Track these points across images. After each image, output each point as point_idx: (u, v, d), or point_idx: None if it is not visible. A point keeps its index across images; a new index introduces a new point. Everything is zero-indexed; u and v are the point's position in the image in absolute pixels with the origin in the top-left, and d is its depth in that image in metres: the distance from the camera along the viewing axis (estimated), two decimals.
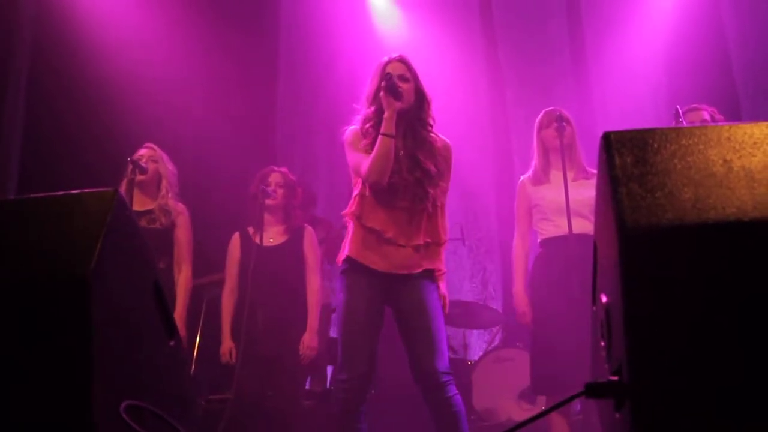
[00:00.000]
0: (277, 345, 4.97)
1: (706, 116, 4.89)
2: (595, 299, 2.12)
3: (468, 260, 7.85)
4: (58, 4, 6.78)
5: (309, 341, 4.97)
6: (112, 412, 1.88)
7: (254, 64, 7.77)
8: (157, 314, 2.23)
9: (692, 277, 1.74)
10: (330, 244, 6.60)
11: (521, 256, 4.87)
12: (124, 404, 1.88)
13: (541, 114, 4.96)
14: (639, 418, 1.63)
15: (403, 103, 3.74)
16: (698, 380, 1.66)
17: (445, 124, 7.13)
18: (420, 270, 3.78)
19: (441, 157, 3.85)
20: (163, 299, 2.23)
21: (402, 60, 3.88)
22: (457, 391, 3.70)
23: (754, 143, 1.86)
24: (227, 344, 5.01)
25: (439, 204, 3.84)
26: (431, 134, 3.87)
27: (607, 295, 1.94)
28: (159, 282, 2.21)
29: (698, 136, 1.89)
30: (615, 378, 1.75)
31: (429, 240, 3.80)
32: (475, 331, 7.19)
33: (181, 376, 2.46)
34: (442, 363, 3.67)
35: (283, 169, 5.33)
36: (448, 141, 3.95)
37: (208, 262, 5.66)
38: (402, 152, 3.78)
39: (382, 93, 3.67)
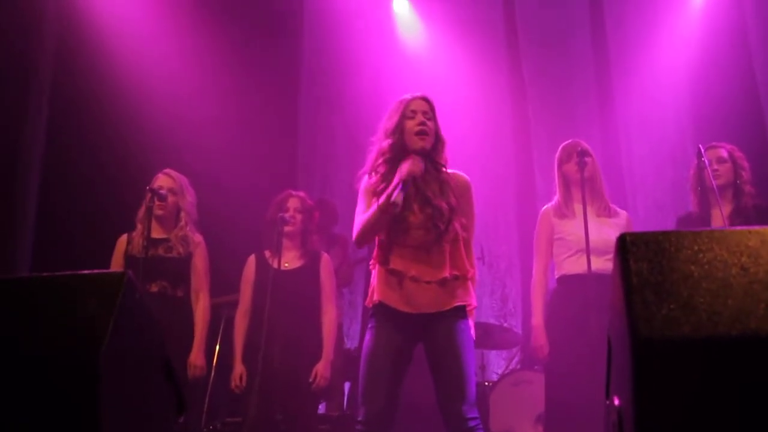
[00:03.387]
0: (292, 369, 4.96)
1: (724, 154, 4.84)
2: (608, 392, 2.09)
3: (488, 276, 7.80)
4: (79, 17, 6.81)
5: (323, 371, 4.96)
6: None
7: (275, 76, 7.76)
8: (167, 392, 2.23)
9: (706, 393, 1.72)
10: (346, 268, 6.62)
11: (541, 288, 4.84)
12: None
13: (561, 148, 4.93)
14: None
15: (424, 143, 3.72)
16: None
17: (466, 139, 7.23)
18: (450, 307, 3.72)
19: (454, 193, 3.80)
20: (173, 376, 2.23)
21: (425, 99, 3.86)
22: None
23: None
24: (238, 369, 5.01)
25: (460, 238, 3.79)
26: (444, 173, 3.82)
27: (620, 398, 1.91)
28: (169, 360, 2.21)
29: (717, 240, 1.86)
30: None
31: (456, 273, 3.74)
32: (493, 351, 7.15)
33: None
34: (470, 408, 3.65)
35: (301, 194, 5.31)
36: (464, 177, 3.91)
37: (225, 282, 5.66)
38: (413, 191, 3.75)
39: (395, 187, 3.62)
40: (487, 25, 8.22)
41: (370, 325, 3.80)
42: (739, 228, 1.86)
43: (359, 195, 3.88)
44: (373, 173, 3.85)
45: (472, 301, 3.81)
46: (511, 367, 6.86)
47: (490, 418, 6.10)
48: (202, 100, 6.92)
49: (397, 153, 3.76)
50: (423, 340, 3.79)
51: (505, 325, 7.49)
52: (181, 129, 6.65)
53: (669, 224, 7.46)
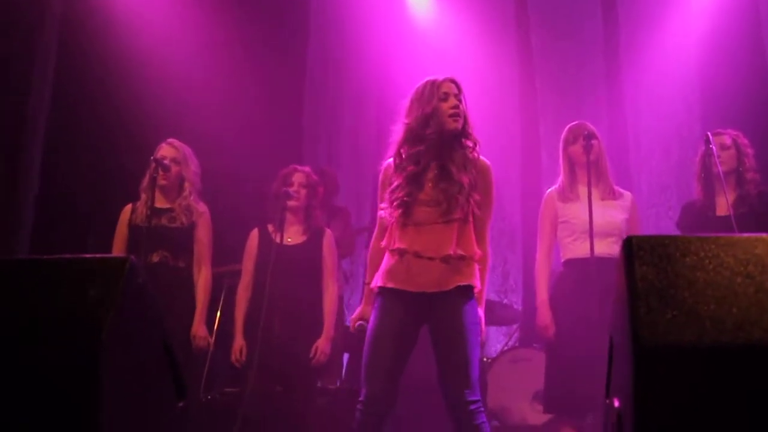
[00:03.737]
0: (292, 342, 4.97)
1: (728, 141, 4.81)
2: (608, 392, 2.09)
3: (489, 251, 7.78)
4: (84, 4, 6.76)
5: (323, 347, 4.98)
6: None
7: (282, 46, 7.73)
8: (167, 375, 2.24)
9: (706, 401, 1.71)
10: (348, 237, 6.63)
11: (545, 269, 4.83)
12: None
13: (567, 129, 4.91)
14: None
15: (456, 124, 3.76)
16: None
17: (473, 113, 7.19)
18: (453, 286, 3.68)
19: (479, 173, 3.80)
20: (173, 359, 2.24)
21: (454, 81, 3.85)
22: (485, 419, 3.67)
23: None
24: (239, 342, 5.02)
25: (472, 218, 3.77)
26: (472, 152, 3.83)
27: (620, 401, 1.91)
28: (170, 344, 2.21)
29: (723, 246, 1.85)
30: None
31: (461, 253, 3.70)
32: (493, 327, 7.17)
33: None
34: (472, 392, 3.64)
35: (306, 169, 5.30)
36: (487, 162, 3.90)
37: (227, 252, 5.66)
38: (432, 168, 3.77)
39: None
40: (498, 10, 8.15)
41: (375, 306, 3.81)
42: (746, 234, 1.85)
43: (379, 186, 3.92)
44: (399, 157, 3.85)
45: (478, 283, 3.76)
46: (510, 344, 6.89)
47: (487, 394, 6.13)
48: (209, 70, 6.89)
49: (433, 136, 3.77)
50: (428, 321, 3.78)
51: (506, 301, 7.52)
52: (187, 98, 6.63)
53: (672, 205, 7.48)
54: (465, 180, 3.73)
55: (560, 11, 8.10)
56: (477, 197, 3.78)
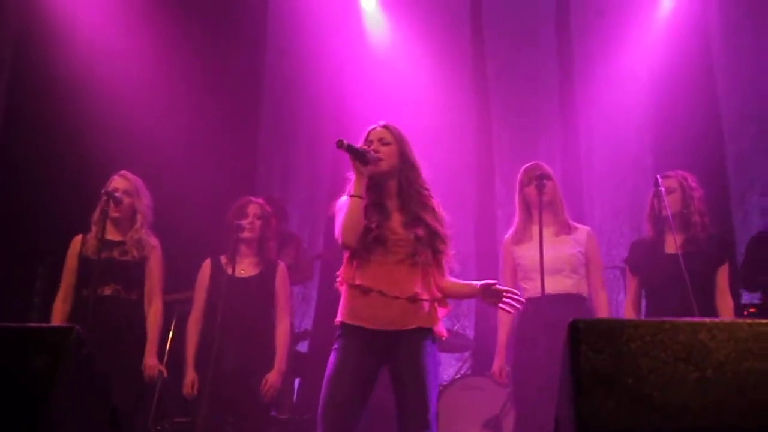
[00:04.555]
0: (244, 373, 4.95)
1: (673, 184, 4.87)
2: None
3: None
4: (40, 18, 6.66)
5: (273, 381, 4.96)
6: None
7: (236, 69, 7.71)
8: None
9: None
10: (306, 264, 6.64)
11: (504, 315, 4.91)
12: None
13: (522, 171, 5.02)
14: None
15: (380, 165, 3.76)
16: None
17: (427, 137, 7.23)
18: (415, 326, 3.70)
19: (444, 220, 3.86)
20: (118, 427, 2.22)
21: (386, 127, 3.89)
22: None
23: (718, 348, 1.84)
24: (190, 376, 4.98)
25: (437, 262, 3.80)
26: (432, 200, 3.87)
27: None
28: (116, 412, 2.19)
29: (668, 331, 1.87)
30: None
31: (426, 296, 3.73)
32: (444, 354, 7.19)
33: None
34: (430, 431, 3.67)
35: (260, 200, 5.29)
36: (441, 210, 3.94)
37: (179, 278, 5.63)
38: (392, 209, 3.80)
39: (350, 158, 3.66)
40: (453, 23, 8.19)
41: (334, 347, 3.78)
42: (688, 320, 1.88)
43: (336, 215, 3.87)
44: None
45: (442, 331, 3.82)
46: (462, 372, 6.91)
47: (439, 422, 6.14)
48: (161, 95, 6.81)
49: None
50: (388, 361, 3.77)
51: (458, 327, 7.53)
52: (140, 123, 6.56)
53: (624, 231, 7.57)
54: (441, 230, 3.80)
55: (516, 40, 8.17)
56: (441, 246, 3.82)
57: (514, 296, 3.78)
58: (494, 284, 3.79)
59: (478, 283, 3.84)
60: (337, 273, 3.87)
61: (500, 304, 3.78)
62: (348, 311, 3.77)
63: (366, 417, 3.77)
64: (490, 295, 3.79)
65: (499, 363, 4.96)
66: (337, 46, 8.07)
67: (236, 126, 7.52)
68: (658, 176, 4.66)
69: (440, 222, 3.82)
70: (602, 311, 4.89)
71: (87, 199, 5.18)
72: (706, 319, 1.88)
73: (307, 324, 7.63)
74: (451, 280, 3.92)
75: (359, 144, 3.80)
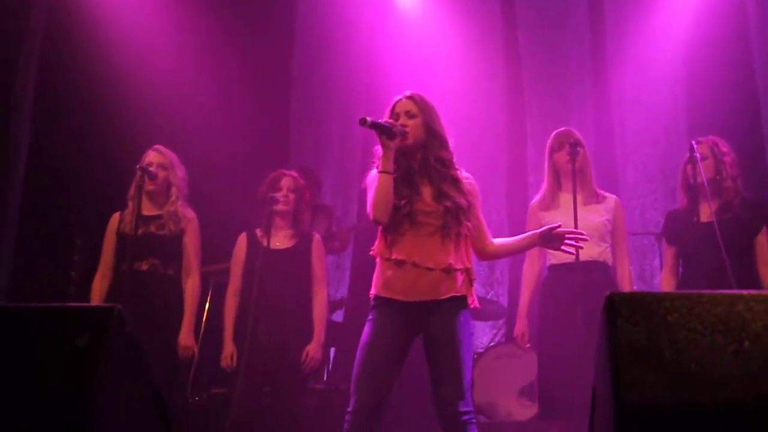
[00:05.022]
0: (280, 346, 4.99)
1: (706, 151, 4.83)
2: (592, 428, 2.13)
3: None
4: (69, 7, 6.69)
5: (314, 353, 5.00)
6: None
7: (267, 46, 7.72)
8: (158, 426, 2.25)
9: None
10: (335, 236, 6.67)
11: (530, 280, 5.01)
12: None
13: (553, 136, 4.98)
14: None
15: (407, 139, 3.75)
16: None
17: (459, 106, 7.21)
18: (449, 296, 3.72)
19: (469, 194, 3.84)
20: (163, 410, 2.25)
21: (411, 97, 3.86)
22: (476, 430, 3.70)
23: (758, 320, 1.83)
24: (229, 348, 5.02)
25: (465, 235, 3.80)
26: (455, 171, 3.85)
27: None
28: (159, 394, 2.22)
29: (705, 303, 1.87)
30: None
31: (460, 266, 3.75)
32: (478, 322, 7.22)
33: None
34: (465, 403, 3.67)
35: (294, 173, 5.30)
36: (471, 178, 3.93)
37: (216, 252, 5.67)
38: (421, 183, 3.79)
39: (376, 134, 3.65)
40: (485, 12, 8.13)
41: (369, 317, 3.80)
42: (725, 292, 1.87)
43: (367, 190, 3.86)
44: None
45: (475, 300, 3.83)
46: (496, 340, 6.94)
47: (474, 390, 6.17)
48: (194, 75, 6.85)
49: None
50: (422, 331, 3.79)
51: (491, 296, 7.55)
52: (174, 103, 6.59)
53: (658, 197, 7.52)
54: (464, 203, 3.78)
55: (546, 8, 8.09)
56: (474, 220, 3.84)
57: (579, 236, 3.84)
58: (556, 227, 3.83)
59: (537, 231, 3.88)
60: (372, 248, 3.89)
61: (563, 247, 3.84)
62: (382, 284, 3.79)
63: (398, 386, 3.81)
64: (553, 240, 3.85)
65: (521, 327, 4.95)
66: (367, 12, 8.03)
67: (268, 97, 7.52)
68: (693, 142, 4.63)
69: (462, 193, 3.80)
70: (625, 281, 4.87)
71: (123, 174, 5.23)
72: (744, 292, 1.87)
73: (343, 292, 7.68)
74: (499, 241, 4.00)
75: (385, 117, 3.78)
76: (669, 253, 4.98)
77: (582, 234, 3.83)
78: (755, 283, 4.60)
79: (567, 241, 3.82)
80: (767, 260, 4.70)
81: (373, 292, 3.82)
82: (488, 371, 6.33)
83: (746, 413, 1.75)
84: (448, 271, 3.72)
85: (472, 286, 3.82)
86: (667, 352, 1.80)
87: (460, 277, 3.75)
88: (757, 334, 1.81)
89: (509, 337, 6.71)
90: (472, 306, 3.81)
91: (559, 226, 3.83)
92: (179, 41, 6.86)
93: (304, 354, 4.97)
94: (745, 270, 4.59)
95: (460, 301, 3.76)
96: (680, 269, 4.98)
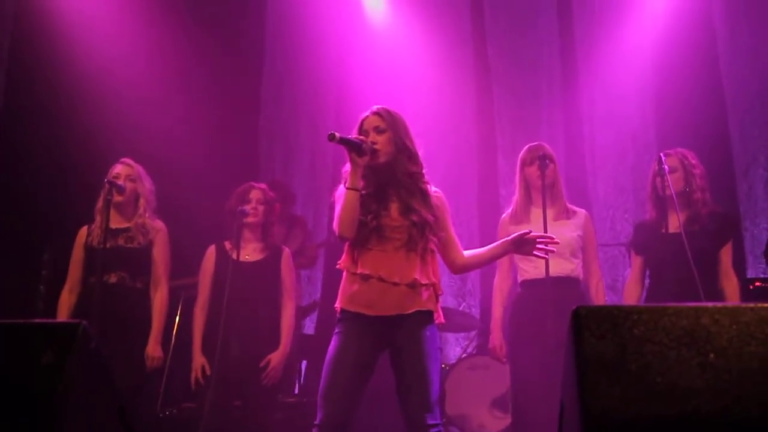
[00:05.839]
0: (250, 359, 4.97)
1: (675, 163, 4.86)
2: None
3: None
4: (35, 17, 6.64)
5: (276, 362, 4.99)
6: None
7: (237, 55, 7.73)
8: None
9: None
10: (305, 251, 6.66)
11: (500, 294, 5.02)
12: None
13: (524, 150, 4.98)
14: None
15: (377, 156, 3.71)
16: None
17: (429, 118, 7.24)
18: (414, 310, 3.72)
19: (437, 208, 3.84)
20: (128, 425, 2.23)
21: (378, 113, 3.81)
22: None
23: (723, 333, 1.85)
24: (198, 360, 5.00)
25: (430, 251, 3.80)
26: (424, 185, 3.84)
27: None
28: (124, 409, 2.21)
29: (671, 316, 1.88)
30: None
31: (425, 281, 3.75)
32: (450, 334, 7.22)
33: None
34: (433, 416, 3.66)
35: (263, 186, 5.29)
36: (440, 192, 3.93)
37: (185, 265, 5.64)
38: (389, 198, 3.78)
39: (345, 150, 3.64)
40: (454, 4, 8.17)
41: (335, 331, 3.80)
42: (691, 304, 1.88)
43: (335, 204, 3.83)
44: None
45: (440, 316, 3.82)
46: (468, 351, 6.94)
47: (446, 401, 6.18)
48: (162, 82, 6.81)
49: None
50: (388, 346, 3.79)
51: (463, 307, 7.56)
52: (141, 113, 6.56)
53: (628, 208, 7.57)
54: (430, 218, 3.77)
55: (517, 16, 8.12)
56: (442, 234, 3.85)
57: (550, 240, 3.84)
58: (527, 233, 3.83)
59: (509, 237, 3.88)
60: (339, 262, 3.88)
61: (535, 252, 3.84)
62: (347, 298, 3.79)
63: (365, 401, 3.80)
64: (524, 245, 3.84)
65: (496, 339, 4.95)
66: (337, 27, 8.05)
67: (237, 110, 7.52)
68: (662, 155, 4.67)
69: (430, 207, 3.79)
70: (599, 294, 4.91)
71: (90, 187, 5.18)
72: (709, 304, 1.88)
73: (315, 299, 7.67)
74: (470, 253, 3.98)
75: (353, 134, 3.77)
76: (636, 262, 5.02)
77: (553, 238, 3.84)
78: (718, 295, 4.65)
79: (538, 246, 3.83)
80: (729, 273, 4.75)
81: (339, 305, 3.82)
82: (460, 383, 6.31)
83: (712, 426, 1.76)
84: (414, 286, 3.72)
85: (438, 301, 3.83)
86: (634, 365, 1.81)
87: (425, 293, 3.75)
88: (723, 347, 1.82)
89: (481, 349, 6.71)
90: (437, 321, 3.81)
91: (530, 232, 3.84)
92: (148, 54, 6.83)
93: (265, 361, 4.97)
94: (710, 281, 4.63)
95: (426, 316, 3.76)
96: (647, 279, 5.01)
